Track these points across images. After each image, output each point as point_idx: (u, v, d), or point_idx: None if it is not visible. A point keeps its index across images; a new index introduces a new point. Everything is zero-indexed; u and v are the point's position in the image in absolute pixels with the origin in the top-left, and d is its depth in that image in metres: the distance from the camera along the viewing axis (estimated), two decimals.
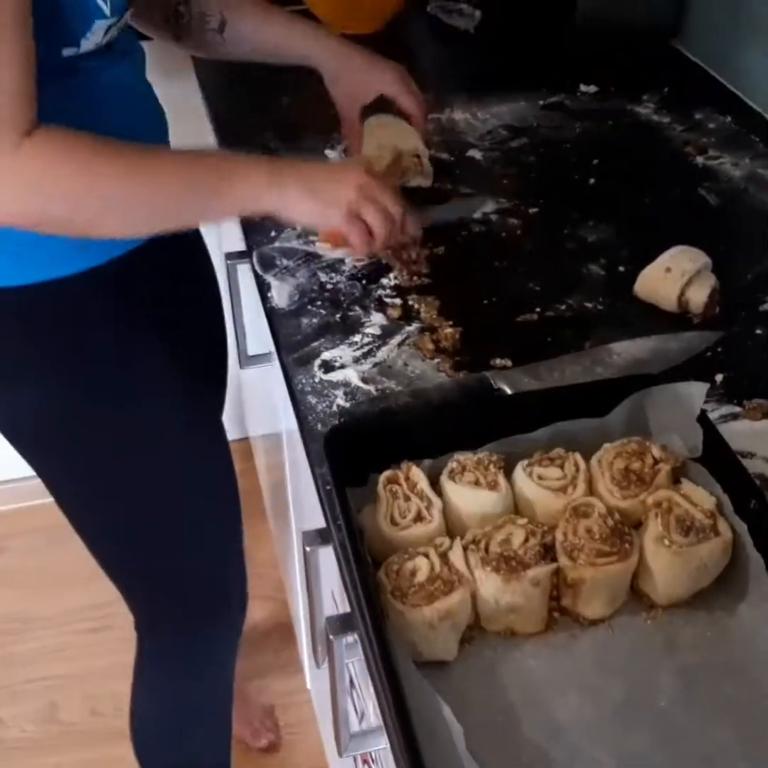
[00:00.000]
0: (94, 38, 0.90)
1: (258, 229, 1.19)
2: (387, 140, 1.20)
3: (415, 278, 1.11)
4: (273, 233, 1.18)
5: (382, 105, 1.18)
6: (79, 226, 0.85)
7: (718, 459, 0.81)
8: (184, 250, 1.16)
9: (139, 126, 1.00)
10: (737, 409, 0.93)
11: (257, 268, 1.14)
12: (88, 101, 0.93)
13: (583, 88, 1.50)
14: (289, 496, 1.48)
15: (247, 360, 1.38)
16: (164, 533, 1.14)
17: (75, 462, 1.08)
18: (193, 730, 1.37)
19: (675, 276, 1.03)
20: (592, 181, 1.28)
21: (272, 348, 1.15)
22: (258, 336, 1.32)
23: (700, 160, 1.32)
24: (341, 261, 1.14)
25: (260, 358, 1.36)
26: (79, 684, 1.80)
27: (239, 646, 1.36)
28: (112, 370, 1.04)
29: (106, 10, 0.89)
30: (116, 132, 0.86)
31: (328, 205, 0.91)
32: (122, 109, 0.98)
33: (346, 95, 1.17)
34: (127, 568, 1.19)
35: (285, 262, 1.14)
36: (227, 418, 1.26)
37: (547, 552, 0.76)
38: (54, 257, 0.96)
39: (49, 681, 1.82)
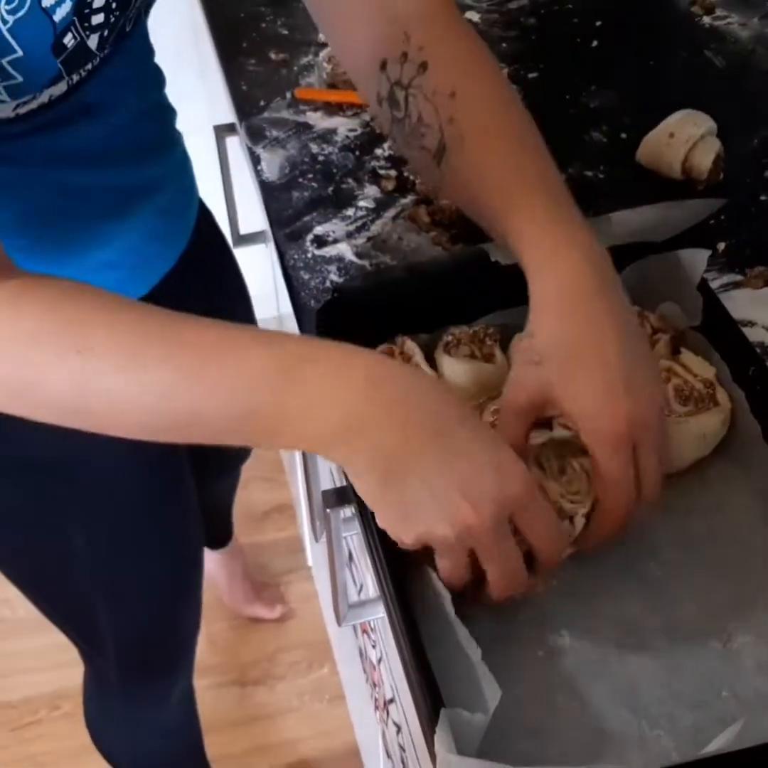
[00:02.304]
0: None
1: (247, 99, 1.15)
2: None
3: None
4: (262, 103, 1.14)
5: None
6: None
7: (718, 327, 0.80)
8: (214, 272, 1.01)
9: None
10: (739, 277, 0.91)
11: (247, 140, 1.10)
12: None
13: None
14: None
15: (238, 239, 1.34)
16: (114, 586, 1.05)
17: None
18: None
19: (679, 141, 0.99)
20: (594, 43, 1.23)
21: (264, 225, 1.12)
22: (248, 215, 1.29)
23: (706, 20, 1.26)
24: (333, 131, 1.10)
25: (252, 237, 1.33)
26: None
27: (193, 696, 1.29)
28: None
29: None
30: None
31: (418, 515, 0.59)
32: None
33: (519, 381, 0.68)
34: (68, 616, 1.10)
35: (275, 133, 1.11)
36: None
37: (543, 424, 0.76)
38: None
39: None
